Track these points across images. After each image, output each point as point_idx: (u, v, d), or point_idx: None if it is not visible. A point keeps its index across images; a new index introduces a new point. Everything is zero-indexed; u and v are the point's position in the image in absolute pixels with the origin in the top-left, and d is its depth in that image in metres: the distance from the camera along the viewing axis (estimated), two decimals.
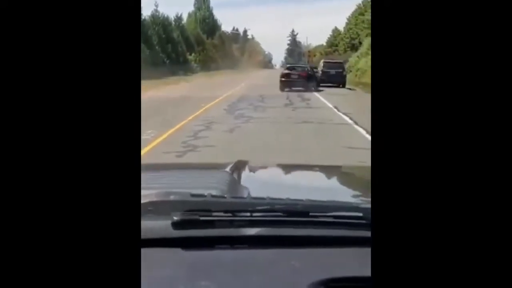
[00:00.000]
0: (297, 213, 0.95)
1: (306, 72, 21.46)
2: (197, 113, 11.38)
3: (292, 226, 0.94)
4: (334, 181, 1.80)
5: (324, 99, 16.15)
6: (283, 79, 20.89)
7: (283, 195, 0.97)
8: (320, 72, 23.67)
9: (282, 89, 20.26)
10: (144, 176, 1.07)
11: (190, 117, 10.44)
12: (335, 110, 12.56)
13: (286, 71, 21.66)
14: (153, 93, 17.38)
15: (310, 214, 0.95)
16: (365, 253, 0.87)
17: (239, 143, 7.54)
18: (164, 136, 7.94)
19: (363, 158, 6.35)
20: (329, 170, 1.95)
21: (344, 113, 11.52)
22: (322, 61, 26.43)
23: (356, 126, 9.36)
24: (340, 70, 23.34)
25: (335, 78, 22.58)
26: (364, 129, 8.84)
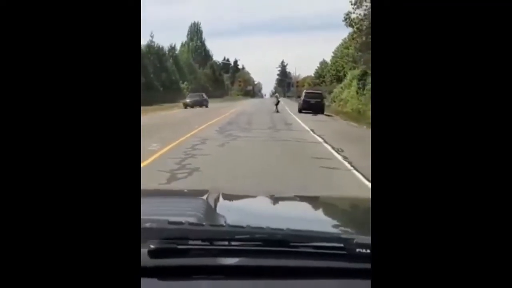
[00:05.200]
0: (277, 242, 0.92)
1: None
2: (192, 132, 13.30)
3: (272, 256, 0.92)
4: (313, 211, 1.77)
5: (303, 124, 18.26)
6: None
7: (262, 224, 0.96)
8: (302, 101, 27.81)
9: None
10: None
11: (188, 135, 12.39)
12: (311, 132, 14.58)
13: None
14: (151, 116, 19.40)
15: (291, 244, 0.93)
16: (347, 284, 0.91)
17: (228, 153, 9.45)
18: (168, 147, 9.83)
19: (324, 163, 8.27)
20: (307, 200, 1.93)
21: (318, 135, 13.54)
22: (304, 91, 30.94)
23: (325, 144, 11.32)
24: (319, 100, 27.36)
25: (314, 106, 26.48)
26: (330, 145, 10.89)
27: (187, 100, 35.26)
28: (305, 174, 7.19)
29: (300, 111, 26.77)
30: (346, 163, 8.37)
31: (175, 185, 6.18)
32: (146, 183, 6.02)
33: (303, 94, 29.29)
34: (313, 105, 26.48)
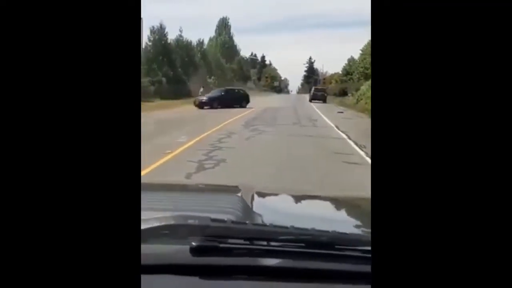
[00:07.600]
0: (322, 245, 0.90)
1: (236, 94, 29.02)
2: (219, 126, 13.68)
3: (316, 259, 0.89)
4: (355, 213, 1.73)
5: (328, 120, 18.50)
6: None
7: (305, 225, 0.94)
8: (312, 94, 44.55)
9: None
10: (155, 196, 1.25)
11: (214, 129, 12.78)
12: (336, 129, 14.80)
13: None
14: (180, 109, 19.91)
15: (336, 246, 0.91)
16: None
17: (253, 146, 9.77)
18: (196, 139, 10.22)
19: (347, 159, 8.50)
20: (346, 202, 1.90)
21: (342, 131, 13.75)
22: (312, 88, 48.77)
23: (348, 140, 11.54)
24: (323, 93, 44.06)
25: (320, 97, 42.23)
26: (353, 141, 11.11)
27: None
28: (327, 169, 7.44)
29: (310, 100, 42.01)
30: (368, 159, 8.59)
31: (203, 174, 6.53)
32: (177, 172, 6.42)
33: (312, 89, 47.01)
34: (318, 96, 42.37)
